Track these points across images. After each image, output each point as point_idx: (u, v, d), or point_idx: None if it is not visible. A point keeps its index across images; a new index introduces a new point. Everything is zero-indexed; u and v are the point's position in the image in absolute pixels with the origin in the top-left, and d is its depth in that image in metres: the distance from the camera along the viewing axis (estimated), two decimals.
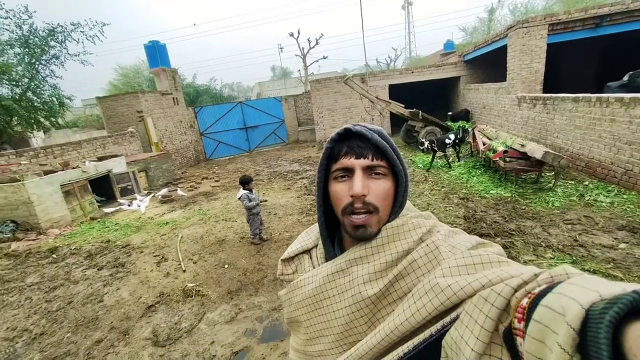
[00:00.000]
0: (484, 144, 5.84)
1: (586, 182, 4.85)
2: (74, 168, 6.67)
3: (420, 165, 7.40)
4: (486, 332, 0.37)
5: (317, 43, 22.38)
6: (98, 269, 4.12)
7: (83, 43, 8.95)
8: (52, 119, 8.84)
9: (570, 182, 4.99)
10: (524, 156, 4.82)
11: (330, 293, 0.59)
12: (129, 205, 7.04)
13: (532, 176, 5.26)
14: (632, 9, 6.49)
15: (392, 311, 0.52)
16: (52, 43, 8.28)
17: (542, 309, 0.30)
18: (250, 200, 4.18)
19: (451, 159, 6.99)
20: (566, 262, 3.05)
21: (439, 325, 0.44)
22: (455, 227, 3.56)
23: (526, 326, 0.32)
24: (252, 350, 2.51)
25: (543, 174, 5.14)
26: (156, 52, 11.92)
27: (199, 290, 3.34)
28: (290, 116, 15.64)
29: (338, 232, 0.70)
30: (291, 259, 0.72)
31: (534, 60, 6.91)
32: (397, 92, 11.41)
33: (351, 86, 9.33)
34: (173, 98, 12.22)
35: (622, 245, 3.21)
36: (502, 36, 7.70)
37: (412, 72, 11.22)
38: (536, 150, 4.41)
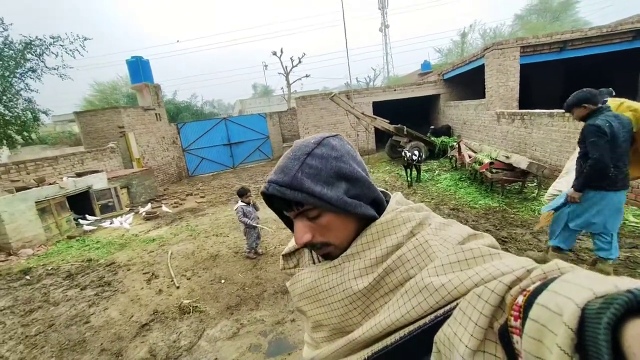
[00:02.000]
0: (469, 157, 6.09)
1: None
2: (50, 184, 6.30)
3: (408, 179, 7.59)
4: (480, 329, 0.37)
5: (299, 62, 22.93)
6: (81, 289, 3.84)
7: (62, 57, 8.68)
8: (25, 134, 8.38)
9: None
10: (509, 167, 5.08)
11: (325, 287, 0.60)
12: (111, 223, 6.68)
13: (516, 187, 5.52)
14: (589, 36, 7.20)
15: (384, 303, 0.53)
16: (29, 56, 7.98)
17: (538, 308, 0.31)
18: (244, 215, 4.10)
19: (414, 175, 7.08)
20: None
21: (432, 316, 0.46)
22: None
23: (523, 324, 0.32)
24: None
25: (526, 185, 5.41)
26: (139, 68, 11.75)
27: (197, 307, 3.18)
28: (275, 132, 15.70)
29: None
30: (292, 253, 0.75)
31: (510, 79, 7.42)
32: (381, 109, 11.80)
33: (337, 102, 9.56)
34: (156, 114, 11.99)
35: None
36: (479, 56, 8.25)
37: (395, 90, 11.69)
38: (521, 161, 4.66)
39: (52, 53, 8.26)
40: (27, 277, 4.41)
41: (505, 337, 0.35)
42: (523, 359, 0.32)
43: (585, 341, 0.26)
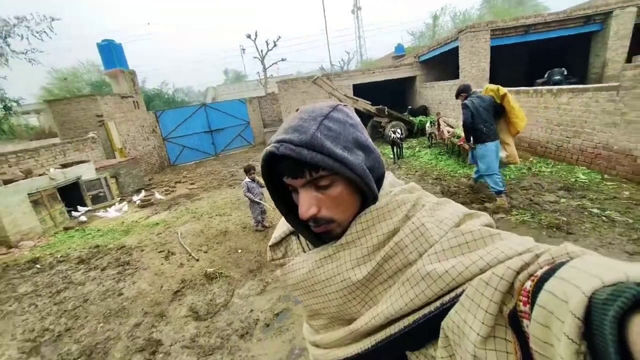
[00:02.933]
0: (448, 132, 6.70)
1: (530, 159, 5.91)
2: (40, 175, 6.20)
3: (390, 156, 8.14)
4: (491, 316, 0.37)
5: (275, 45, 22.61)
6: (101, 270, 4.04)
7: (28, 39, 8.20)
8: None
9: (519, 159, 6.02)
10: None
11: (321, 278, 0.58)
12: (105, 212, 6.71)
13: (518, 162, 6.21)
14: (548, 21, 7.94)
15: (384, 290, 0.53)
16: None
17: (545, 295, 0.31)
18: (248, 190, 4.41)
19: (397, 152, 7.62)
20: (526, 217, 3.84)
21: (437, 303, 0.46)
22: None
23: (531, 309, 0.32)
24: (292, 310, 2.82)
25: None
26: (112, 52, 11.24)
27: (221, 273, 3.53)
28: (256, 118, 15.69)
29: None
30: (279, 243, 0.71)
31: (481, 60, 8.06)
32: (360, 91, 12.18)
33: (320, 85, 9.84)
34: (133, 101, 11.64)
35: (563, 200, 4.11)
36: (453, 39, 8.80)
37: (374, 73, 12.09)
38: None
39: (17, 35, 7.78)
40: (37, 265, 4.50)
41: (515, 322, 0.36)
42: (531, 342, 0.32)
43: (592, 330, 0.26)
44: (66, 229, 6.07)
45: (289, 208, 0.62)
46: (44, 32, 8.08)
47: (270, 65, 23.62)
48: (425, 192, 0.61)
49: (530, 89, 5.86)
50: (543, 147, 5.82)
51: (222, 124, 14.58)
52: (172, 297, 3.23)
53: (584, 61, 9.03)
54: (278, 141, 0.52)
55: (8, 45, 7.64)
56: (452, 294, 0.44)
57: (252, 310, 2.88)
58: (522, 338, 0.35)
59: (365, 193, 0.56)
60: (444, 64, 11.42)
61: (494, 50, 8.32)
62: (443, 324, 0.43)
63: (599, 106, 4.62)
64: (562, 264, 0.33)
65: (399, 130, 7.33)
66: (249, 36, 22.15)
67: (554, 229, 3.46)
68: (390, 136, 7.02)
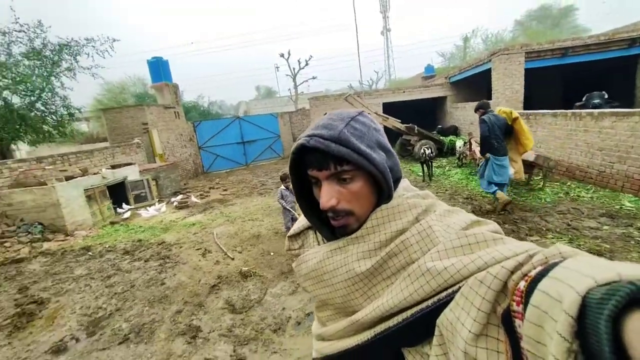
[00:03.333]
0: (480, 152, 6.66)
1: (568, 183, 5.73)
2: (94, 174, 6.83)
3: (419, 174, 8.14)
4: (483, 314, 0.38)
5: (306, 64, 23.54)
6: (144, 261, 4.38)
7: (93, 57, 9.23)
8: (61, 129, 8.92)
9: (555, 183, 5.85)
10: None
11: (329, 268, 0.61)
12: (146, 211, 7.22)
13: (523, 179, 6.09)
14: (589, 44, 7.80)
15: (387, 286, 0.55)
16: (66, 57, 8.53)
17: (539, 294, 0.31)
18: (282, 197, 4.64)
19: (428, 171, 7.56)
20: (564, 241, 3.74)
21: (435, 299, 0.47)
22: None
23: (524, 309, 0.33)
24: None
25: (532, 177, 5.98)
26: (159, 68, 12.32)
27: (255, 272, 3.73)
28: (286, 131, 16.27)
29: None
30: (297, 235, 0.76)
31: (515, 82, 8.02)
32: (389, 109, 12.38)
33: (351, 102, 10.14)
34: (175, 112, 12.55)
35: (605, 227, 3.96)
36: (485, 61, 8.85)
37: (404, 92, 12.28)
38: (529, 155, 5.23)
39: (85, 54, 8.80)
40: (89, 253, 4.94)
41: (508, 321, 0.36)
42: (524, 342, 0.33)
43: (586, 329, 0.26)
44: (112, 223, 6.59)
45: (309, 205, 0.67)
46: (107, 50, 9.03)
47: (301, 83, 24.55)
48: (439, 200, 0.62)
49: (569, 112, 5.76)
50: (583, 172, 5.64)
51: (254, 136, 15.24)
52: (209, 290, 3.45)
53: (627, 84, 8.70)
54: (309, 135, 0.57)
55: (77, 62, 8.62)
56: (449, 291, 0.45)
57: (284, 309, 3.02)
58: (513, 338, 0.35)
59: (382, 191, 0.60)
60: (475, 85, 11.41)
61: (528, 72, 8.25)
62: (438, 321, 0.44)
63: None
64: (555, 264, 0.33)
65: (430, 149, 7.37)
66: (282, 55, 23.27)
67: (595, 255, 3.36)
68: (422, 153, 7.06)
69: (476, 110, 4.73)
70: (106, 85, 28.60)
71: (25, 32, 7.98)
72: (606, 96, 8.15)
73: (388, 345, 0.53)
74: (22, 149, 14.19)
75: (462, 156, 8.13)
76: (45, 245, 5.24)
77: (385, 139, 0.63)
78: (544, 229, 4.09)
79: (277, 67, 22.81)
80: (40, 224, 5.67)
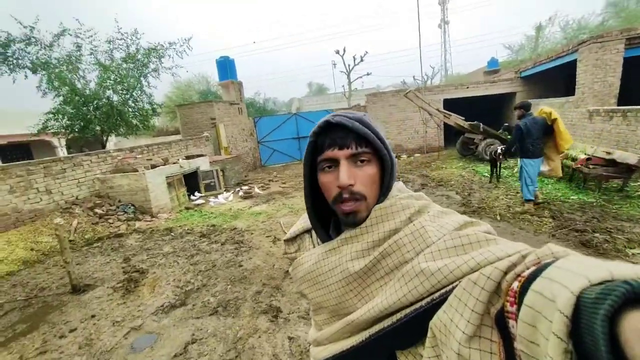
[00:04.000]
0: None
1: None
2: (173, 164, 7.65)
3: (485, 174, 7.64)
4: (477, 315, 0.38)
5: (361, 60, 23.33)
6: (221, 244, 4.81)
7: (173, 58, 10.23)
8: (146, 123, 10.12)
9: None
10: (609, 163, 5.01)
11: (324, 269, 0.62)
12: (215, 199, 7.88)
13: (615, 185, 5.38)
14: None
15: (380, 287, 0.55)
16: (153, 59, 9.62)
17: (532, 294, 0.31)
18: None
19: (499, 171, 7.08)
20: None
21: (428, 299, 0.47)
22: (544, 225, 3.83)
23: (518, 310, 0.33)
24: None
25: (628, 183, 5.26)
26: (226, 66, 13.24)
27: None
28: None
29: (333, 216, 0.72)
30: (293, 239, 0.76)
31: (608, 74, 7.06)
32: (451, 106, 11.74)
33: (411, 99, 9.84)
34: (239, 108, 13.41)
35: None
36: (569, 51, 7.92)
37: (467, 87, 11.57)
38: (628, 157, 4.61)
39: (168, 55, 9.81)
40: (172, 234, 5.57)
41: (501, 322, 0.36)
42: (517, 343, 0.32)
43: (581, 329, 0.26)
44: (187, 208, 7.32)
45: (312, 204, 0.68)
46: (184, 51, 9.96)
47: (355, 79, 24.41)
48: (432, 202, 0.63)
49: None
50: None
51: (309, 132, 15.54)
52: (284, 275, 3.68)
53: None
54: (333, 115, 0.61)
55: (162, 64, 9.68)
56: (442, 291, 0.45)
57: None
58: (507, 339, 0.36)
59: (382, 185, 0.62)
60: (549, 79, 10.31)
61: (624, 62, 7.19)
62: (431, 323, 0.44)
63: None
64: (548, 264, 0.33)
65: (500, 148, 6.88)
66: (337, 52, 23.35)
67: None
68: (495, 152, 6.62)
69: (515, 108, 4.85)
70: (175, 83, 31.57)
71: (125, 40, 9.18)
72: None
73: (383, 347, 0.53)
74: (110, 141, 16.36)
75: None
76: (137, 224, 6.03)
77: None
78: (534, 209, 3.61)
79: (335, 64, 22.91)
80: (132, 205, 6.53)
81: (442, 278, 0.45)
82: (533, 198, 4.89)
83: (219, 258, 4.30)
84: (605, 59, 7.01)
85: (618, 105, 7.32)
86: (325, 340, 0.64)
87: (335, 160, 0.60)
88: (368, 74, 23.90)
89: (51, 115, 8.80)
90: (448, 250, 0.48)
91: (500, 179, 7.01)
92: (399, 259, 0.54)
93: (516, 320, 0.33)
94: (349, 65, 23.35)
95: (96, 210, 6.12)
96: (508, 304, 0.35)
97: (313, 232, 0.74)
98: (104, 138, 9.68)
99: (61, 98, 8.76)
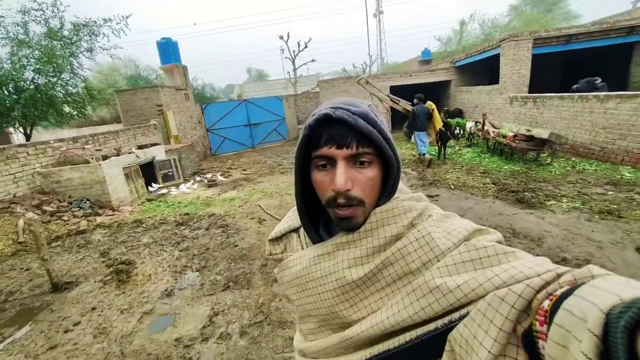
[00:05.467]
0: (493, 132, 7.25)
1: (573, 159, 6.41)
2: (129, 153, 7.08)
3: (433, 153, 8.69)
4: (504, 333, 0.36)
5: (306, 46, 23.45)
6: (205, 229, 4.80)
7: (108, 37, 9.21)
8: (82, 110, 8.99)
9: (560, 160, 6.53)
10: (529, 139, 6.25)
11: (316, 275, 0.57)
12: (177, 189, 7.55)
13: (531, 156, 6.73)
14: (591, 31, 8.37)
15: (380, 298, 0.51)
16: (84, 37, 8.52)
17: (563, 313, 0.30)
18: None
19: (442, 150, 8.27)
20: (577, 204, 4.38)
21: (445, 320, 0.44)
22: (488, 190, 4.77)
23: (548, 329, 0.31)
24: None
25: (540, 154, 6.63)
26: (169, 49, 12.25)
27: None
28: (291, 115, 16.50)
29: (323, 214, 0.66)
30: (279, 238, 0.71)
31: (522, 67, 8.57)
32: (395, 92, 12.77)
33: (362, 85, 10.48)
34: (185, 94, 12.60)
35: (610, 192, 4.63)
36: (494, 46, 9.33)
37: (410, 75, 12.69)
38: (542, 133, 5.84)
39: (103, 34, 8.78)
40: (143, 225, 5.31)
41: (529, 342, 0.35)
42: None
43: (610, 347, 0.25)
44: (149, 200, 6.91)
45: (304, 202, 0.61)
46: (122, 30, 9.02)
47: (300, 66, 24.51)
48: (432, 204, 0.60)
49: (575, 95, 6.38)
50: (586, 149, 6.31)
51: (260, 119, 15.43)
52: None
53: (622, 70, 9.39)
54: (333, 107, 0.52)
55: (97, 42, 8.64)
56: (463, 311, 0.42)
57: None
58: (534, 359, 0.34)
59: (386, 187, 0.57)
60: (477, 69, 11.94)
61: (532, 57, 8.80)
62: (450, 336, 0.41)
63: None
64: (583, 283, 0.32)
65: (442, 129, 7.91)
66: (281, 37, 23.06)
67: (605, 214, 4.01)
68: (439, 133, 7.59)
69: (415, 98, 7.47)
70: (97, 66, 27.72)
71: (44, 11, 7.91)
72: (598, 81, 8.81)
73: None
74: (17, 133, 14.01)
75: (472, 136, 8.72)
76: (99, 219, 5.57)
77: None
78: (559, 195, 4.73)
79: (282, 50, 22.52)
80: (87, 200, 5.95)
81: (462, 296, 0.42)
82: (425, 153, 7.43)
83: (209, 242, 4.33)
84: (520, 54, 8.49)
85: (529, 93, 8.94)
86: (314, 353, 0.59)
87: (332, 159, 0.53)
88: (313, 61, 24.21)
89: None
90: (465, 264, 0.45)
91: (447, 157, 8.10)
92: (402, 268, 0.50)
93: (546, 340, 0.31)
94: (293, 52, 23.29)
95: (44, 207, 5.46)
96: (537, 323, 0.34)
97: (301, 231, 0.68)
98: (29, 128, 8.35)
99: None
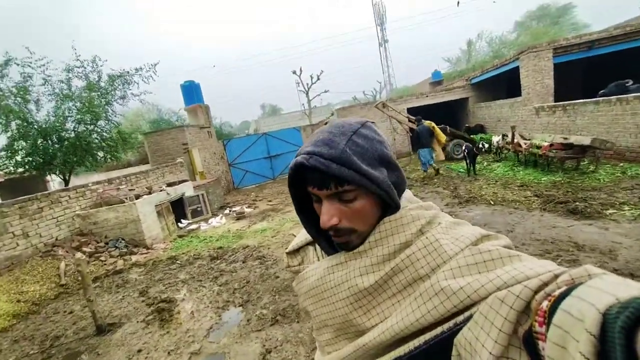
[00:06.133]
0: (525, 144, 6.99)
1: (621, 164, 6.01)
2: (160, 191, 7.24)
3: (461, 170, 8.45)
4: (504, 334, 0.36)
5: (318, 79, 24.32)
6: (242, 262, 4.69)
7: (138, 85, 9.84)
8: (115, 154, 9.45)
9: (605, 166, 6.14)
10: (567, 147, 5.96)
11: (330, 285, 0.59)
12: (208, 223, 7.57)
13: (570, 165, 6.38)
14: (614, 35, 8.23)
15: (392, 305, 0.52)
16: (118, 86, 9.16)
17: (561, 314, 0.30)
18: None
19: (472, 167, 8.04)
20: None
21: (451, 323, 0.44)
22: (532, 203, 4.48)
23: (547, 330, 0.31)
24: None
25: (581, 162, 6.27)
26: (192, 90, 13.00)
27: None
28: None
29: None
30: (296, 251, 0.73)
31: (545, 77, 8.42)
32: (412, 114, 12.82)
33: (381, 109, 10.59)
34: (208, 132, 13.12)
35: None
36: (512, 59, 9.31)
37: (427, 96, 12.76)
38: (584, 139, 5.55)
39: (134, 82, 9.42)
40: (178, 262, 5.26)
41: (530, 343, 0.35)
42: None
43: (608, 347, 0.25)
44: (180, 236, 6.93)
45: (308, 217, 0.64)
46: (150, 77, 9.66)
47: (314, 97, 25.29)
48: (442, 212, 0.61)
49: (613, 98, 6.11)
50: (634, 153, 5.93)
51: (279, 150, 15.73)
52: None
53: None
54: (308, 153, 0.54)
55: (129, 91, 9.29)
56: (467, 314, 0.42)
57: None
58: None
59: (387, 205, 0.57)
60: (493, 85, 11.87)
61: (555, 67, 8.67)
62: (456, 340, 0.42)
63: None
64: (580, 284, 0.32)
65: (469, 145, 7.74)
66: (294, 72, 24.10)
67: None
68: (472, 148, 7.46)
69: (416, 119, 8.51)
70: (123, 113, 29.70)
71: (85, 68, 8.63)
72: (630, 83, 8.50)
73: None
74: (54, 180, 14.81)
75: (500, 150, 8.45)
76: (134, 258, 5.58)
77: (389, 151, 0.60)
78: (617, 203, 4.37)
79: (298, 84, 23.44)
80: (122, 239, 6.03)
81: (465, 297, 0.43)
82: (427, 169, 8.18)
83: (248, 274, 4.20)
84: (541, 65, 8.40)
85: (555, 102, 8.71)
86: None
87: (318, 196, 0.57)
88: (326, 92, 24.95)
89: (2, 153, 7.83)
90: (469, 267, 0.46)
91: (477, 172, 7.82)
92: (412, 275, 0.51)
93: (546, 341, 0.31)
94: (307, 84, 24.18)
95: (83, 249, 5.55)
96: (537, 324, 0.34)
97: (317, 244, 0.69)
98: (67, 174, 8.79)
99: (12, 133, 7.86)
